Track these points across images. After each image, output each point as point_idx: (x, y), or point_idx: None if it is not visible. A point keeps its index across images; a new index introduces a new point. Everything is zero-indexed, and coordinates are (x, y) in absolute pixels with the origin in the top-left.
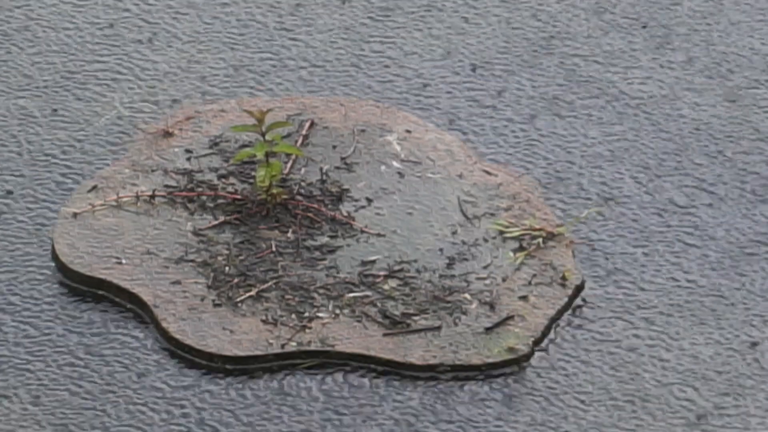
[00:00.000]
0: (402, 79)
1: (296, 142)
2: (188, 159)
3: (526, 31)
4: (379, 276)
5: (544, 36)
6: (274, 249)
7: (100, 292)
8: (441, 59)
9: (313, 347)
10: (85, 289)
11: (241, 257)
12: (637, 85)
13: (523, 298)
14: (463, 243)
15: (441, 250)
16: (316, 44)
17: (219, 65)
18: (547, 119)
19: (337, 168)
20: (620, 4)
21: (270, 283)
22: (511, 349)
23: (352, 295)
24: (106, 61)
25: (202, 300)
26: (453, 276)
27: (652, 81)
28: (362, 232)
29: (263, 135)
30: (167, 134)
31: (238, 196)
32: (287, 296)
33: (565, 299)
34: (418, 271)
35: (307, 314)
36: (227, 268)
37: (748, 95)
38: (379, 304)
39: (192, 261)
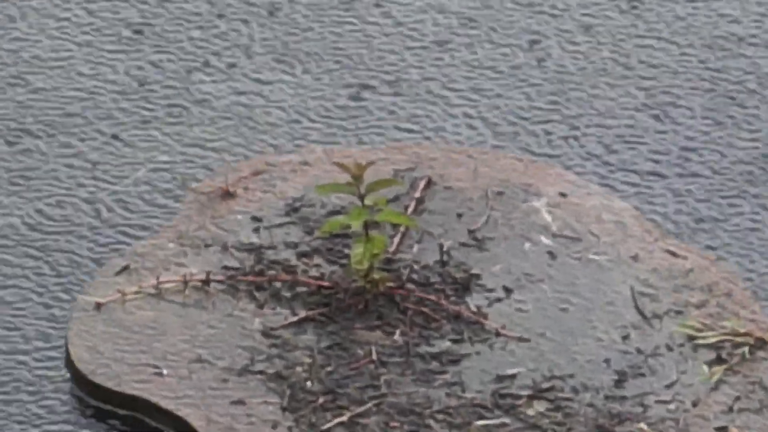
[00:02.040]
0: (552, 124)
1: (407, 208)
2: (256, 230)
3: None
4: (521, 397)
5: None
6: (374, 357)
7: (132, 415)
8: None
9: None
10: (111, 409)
11: (328, 368)
12: None
13: (722, 429)
14: (639, 352)
15: (607, 361)
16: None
17: (306, 99)
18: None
19: (464, 245)
20: None
21: (369, 405)
22: None
23: (483, 423)
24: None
25: (275, 427)
26: (624, 398)
27: None
28: (498, 335)
29: (361, 198)
30: (227, 195)
31: (326, 283)
32: (393, 423)
33: None
34: (575, 390)
35: None
36: (309, 384)
37: None
38: None
39: (261, 373)
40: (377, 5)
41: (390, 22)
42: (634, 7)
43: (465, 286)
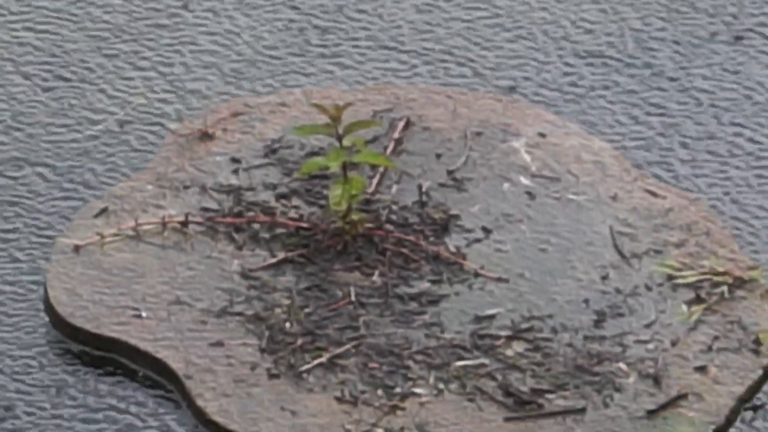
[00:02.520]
0: (533, 63)
1: (386, 149)
2: (235, 172)
3: None
4: (499, 337)
5: None
6: (353, 298)
7: (111, 357)
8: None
9: None
10: (90, 352)
11: (307, 309)
12: None
13: (701, 369)
14: (618, 292)
15: (586, 301)
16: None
17: (279, 35)
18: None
19: (443, 186)
20: None
21: (348, 346)
22: None
23: (461, 363)
24: (124, 31)
25: (254, 369)
26: (603, 338)
27: None
28: (477, 275)
29: (339, 139)
30: (206, 137)
31: (304, 225)
32: (371, 364)
33: (759, 372)
34: (554, 330)
35: (399, 390)
36: (288, 325)
37: None
38: (499, 377)
39: (240, 314)
40: None
41: None
42: None
43: (444, 226)
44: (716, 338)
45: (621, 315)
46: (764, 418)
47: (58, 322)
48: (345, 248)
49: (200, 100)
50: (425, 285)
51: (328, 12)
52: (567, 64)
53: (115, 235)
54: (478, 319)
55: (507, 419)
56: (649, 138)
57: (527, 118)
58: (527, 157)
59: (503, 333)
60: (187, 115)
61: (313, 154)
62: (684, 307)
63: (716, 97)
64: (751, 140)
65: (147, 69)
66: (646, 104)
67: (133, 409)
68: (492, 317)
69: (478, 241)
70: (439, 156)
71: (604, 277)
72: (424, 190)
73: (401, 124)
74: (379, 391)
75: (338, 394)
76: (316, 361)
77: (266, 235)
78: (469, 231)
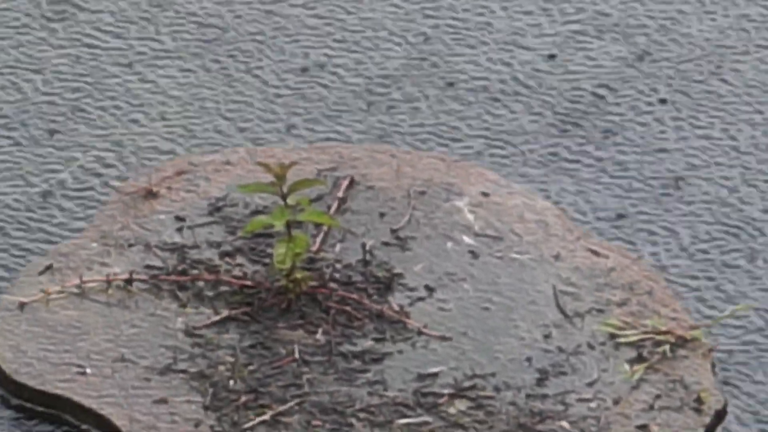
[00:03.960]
0: (475, 122)
1: (329, 207)
2: (179, 230)
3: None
4: (442, 395)
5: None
6: (297, 356)
7: (56, 414)
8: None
9: None
10: (32, 407)
11: (251, 367)
12: None
13: (643, 428)
14: (561, 350)
15: (529, 360)
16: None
17: (222, 98)
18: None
19: (386, 244)
20: None
21: (291, 404)
22: None
23: (404, 421)
24: (67, 87)
25: (197, 426)
26: (545, 396)
27: None
28: (420, 333)
29: (284, 198)
30: (151, 195)
31: (248, 283)
32: (315, 422)
33: (701, 430)
34: (497, 388)
35: None
36: (232, 382)
37: None
38: None
39: (184, 372)
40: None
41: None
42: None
43: (387, 285)
44: (658, 397)
45: (564, 373)
46: None
47: (2, 378)
48: (289, 306)
49: (145, 159)
50: (369, 343)
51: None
52: (520, 126)
53: (60, 292)
54: (421, 377)
55: None
56: (594, 196)
57: (470, 178)
58: (470, 217)
59: (446, 391)
60: (132, 173)
61: (257, 212)
62: (626, 366)
63: (653, 149)
64: (689, 202)
65: (93, 127)
66: (591, 161)
67: None
68: (435, 375)
69: (421, 299)
70: (382, 215)
71: (547, 336)
72: (367, 248)
73: (345, 183)
74: None
75: None
76: (259, 419)
77: (210, 293)
78: (412, 290)
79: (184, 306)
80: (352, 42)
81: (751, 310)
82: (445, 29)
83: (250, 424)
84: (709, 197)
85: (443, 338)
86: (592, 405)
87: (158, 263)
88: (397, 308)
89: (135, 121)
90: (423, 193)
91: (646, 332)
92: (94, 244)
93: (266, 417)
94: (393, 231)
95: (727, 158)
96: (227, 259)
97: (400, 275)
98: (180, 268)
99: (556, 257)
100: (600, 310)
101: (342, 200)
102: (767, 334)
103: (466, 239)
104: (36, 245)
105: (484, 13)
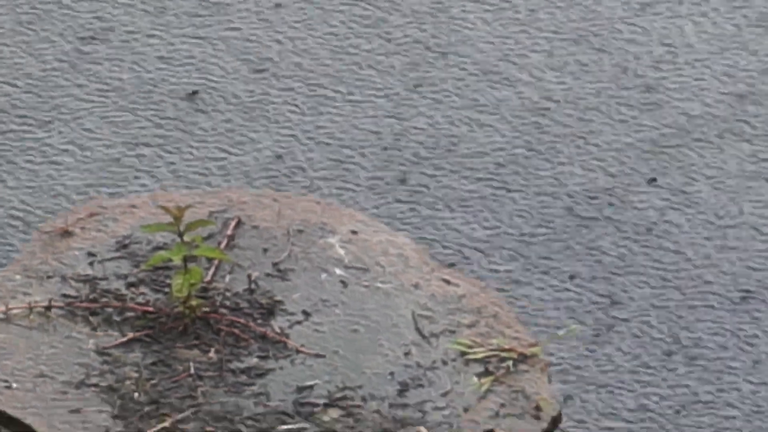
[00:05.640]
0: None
1: (220, 244)
2: (91, 264)
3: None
4: (317, 405)
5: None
6: (192, 372)
7: None
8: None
9: None
10: None
11: (153, 381)
12: None
13: None
14: (419, 366)
15: (392, 374)
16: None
17: (132, 147)
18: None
19: (269, 275)
20: None
21: (188, 413)
22: None
23: (285, 427)
24: None
25: None
26: (406, 405)
27: None
28: (298, 352)
29: (181, 236)
30: (67, 234)
31: (150, 309)
32: (208, 428)
33: None
34: (364, 399)
35: None
36: (137, 395)
37: None
38: None
39: (95, 386)
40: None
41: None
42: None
43: (270, 310)
44: (503, 405)
45: (421, 386)
46: None
47: None
48: (186, 329)
49: (62, 203)
50: (254, 360)
51: (169, 118)
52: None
53: None
54: (299, 389)
55: None
56: (450, 232)
57: (342, 218)
58: (341, 251)
59: (321, 401)
60: (51, 215)
61: (158, 248)
62: (475, 379)
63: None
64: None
65: (16, 174)
66: (449, 201)
67: None
68: (311, 388)
69: (299, 323)
70: (266, 250)
71: (407, 354)
72: (253, 279)
73: (233, 224)
74: None
75: None
76: (160, 425)
77: (118, 318)
78: (291, 314)
79: (95, 329)
80: None
81: (579, 332)
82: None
83: (153, 430)
84: None
85: (318, 356)
86: (446, 412)
87: (73, 292)
88: (278, 330)
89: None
90: (301, 231)
91: (492, 350)
92: (18, 276)
93: (167, 424)
94: (275, 264)
95: None
96: (132, 288)
97: (281, 302)
98: (92, 296)
99: (415, 286)
100: (452, 331)
101: (231, 238)
102: (593, 350)
103: (338, 271)
104: None
105: None
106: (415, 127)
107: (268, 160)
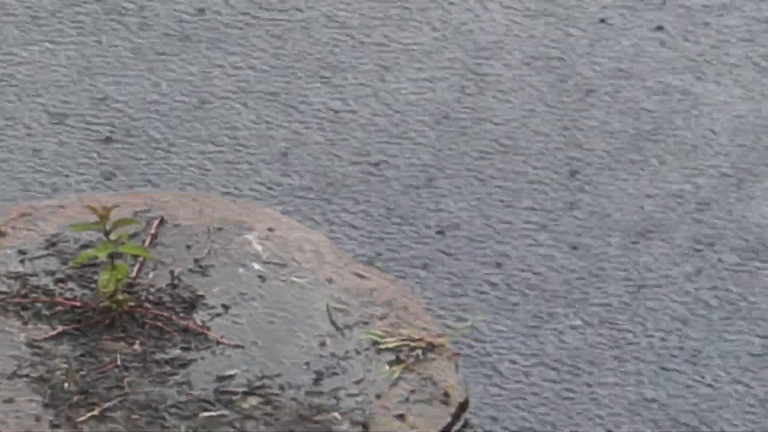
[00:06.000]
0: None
1: (144, 242)
2: (21, 261)
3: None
4: (237, 393)
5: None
6: (119, 363)
7: None
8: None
9: None
10: None
11: (81, 372)
12: None
13: (401, 417)
14: (333, 356)
15: (307, 363)
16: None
17: (62, 149)
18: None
19: (190, 271)
20: None
21: (115, 401)
22: None
23: (206, 414)
24: None
25: (38, 420)
26: (321, 393)
27: None
28: (218, 343)
29: (107, 234)
30: None
31: (78, 303)
32: (134, 416)
33: (448, 418)
34: (281, 387)
35: None
36: (66, 385)
37: None
38: (237, 425)
39: (26, 376)
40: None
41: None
42: None
43: (192, 304)
44: (413, 392)
45: (336, 374)
46: None
47: None
48: (112, 323)
49: None
50: (177, 351)
51: (115, 127)
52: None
53: None
54: (220, 378)
55: None
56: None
57: (259, 216)
58: (259, 248)
59: (240, 389)
60: None
61: (85, 246)
62: (387, 367)
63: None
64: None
65: None
66: (367, 200)
67: None
68: (231, 377)
69: (219, 315)
70: (188, 247)
71: (322, 344)
72: (175, 275)
73: (156, 222)
74: None
75: None
76: (89, 414)
77: (47, 313)
78: (212, 308)
79: (26, 323)
80: None
81: (483, 323)
82: None
83: (82, 418)
84: None
85: (237, 347)
86: (359, 399)
87: (5, 288)
88: (200, 323)
89: None
90: (220, 229)
91: (402, 340)
92: None
93: (95, 412)
94: (196, 260)
95: None
96: (61, 284)
97: (202, 296)
98: (22, 292)
99: (329, 280)
100: (365, 323)
101: (154, 236)
102: (493, 341)
103: (256, 266)
104: None
105: None
106: None
107: None
